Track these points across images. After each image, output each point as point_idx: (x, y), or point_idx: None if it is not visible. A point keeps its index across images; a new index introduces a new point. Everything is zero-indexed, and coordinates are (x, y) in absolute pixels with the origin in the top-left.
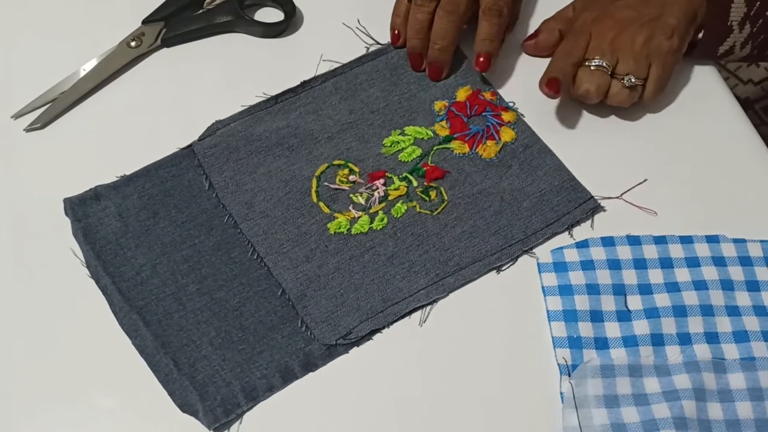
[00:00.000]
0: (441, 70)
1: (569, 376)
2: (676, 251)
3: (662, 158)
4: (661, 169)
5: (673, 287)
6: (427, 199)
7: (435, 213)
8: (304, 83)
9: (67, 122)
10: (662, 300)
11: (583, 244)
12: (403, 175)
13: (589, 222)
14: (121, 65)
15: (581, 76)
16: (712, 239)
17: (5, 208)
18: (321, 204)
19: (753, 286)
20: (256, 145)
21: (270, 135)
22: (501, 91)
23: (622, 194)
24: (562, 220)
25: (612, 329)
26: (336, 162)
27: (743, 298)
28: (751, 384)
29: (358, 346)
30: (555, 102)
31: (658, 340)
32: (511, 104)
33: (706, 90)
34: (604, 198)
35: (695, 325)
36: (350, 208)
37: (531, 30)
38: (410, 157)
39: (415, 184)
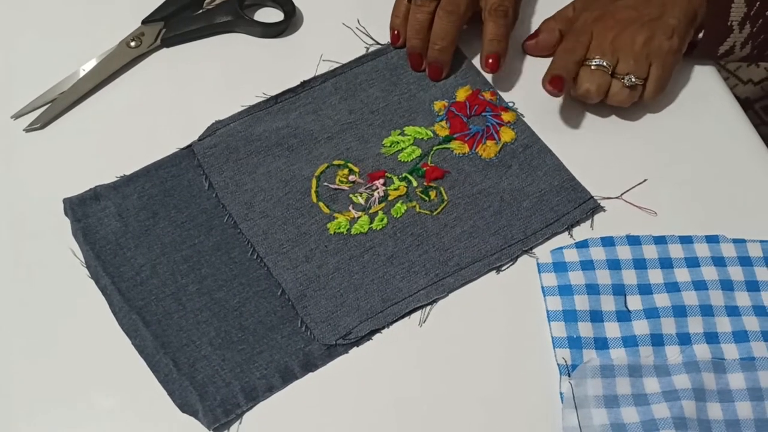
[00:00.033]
0: (441, 71)
1: (569, 376)
2: (676, 251)
3: (662, 158)
4: (660, 169)
5: (672, 287)
6: (426, 199)
7: (435, 213)
8: (303, 83)
9: (67, 122)
10: (662, 300)
11: (582, 245)
12: (403, 175)
13: (588, 222)
14: (120, 65)
15: (582, 75)
16: (711, 239)
17: (5, 208)
18: (321, 204)
19: (753, 286)
20: (255, 145)
21: (270, 135)
22: (501, 91)
23: (621, 194)
24: (561, 220)
25: (612, 329)
26: (336, 162)
27: (743, 299)
28: (751, 384)
29: (357, 346)
30: (555, 102)
31: (657, 340)
32: (510, 104)
33: (706, 90)
34: (604, 198)
35: (695, 325)
36: (350, 208)
37: (531, 30)
38: (410, 157)
39: (414, 184)
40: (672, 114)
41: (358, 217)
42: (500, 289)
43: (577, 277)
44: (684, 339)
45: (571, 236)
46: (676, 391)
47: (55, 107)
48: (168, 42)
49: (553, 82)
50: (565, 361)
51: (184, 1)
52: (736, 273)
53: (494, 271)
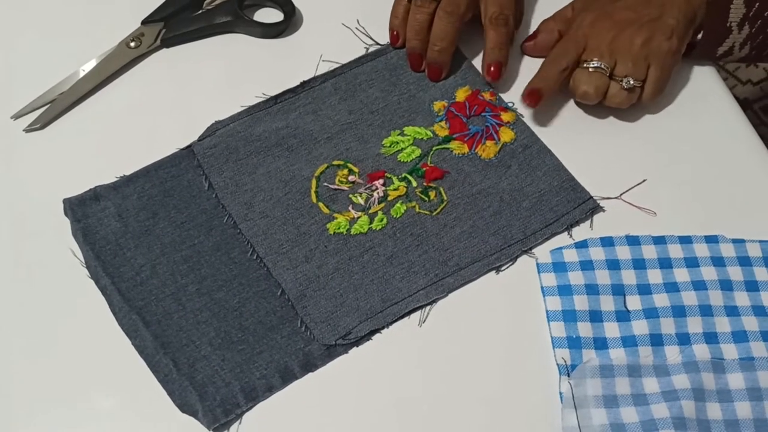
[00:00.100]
0: (440, 71)
1: (568, 376)
2: (675, 251)
3: (661, 158)
4: (660, 170)
5: (672, 287)
6: (426, 199)
7: (434, 213)
8: (303, 83)
9: (67, 123)
10: (661, 300)
11: (582, 245)
12: (403, 175)
13: (588, 222)
14: (120, 66)
15: (580, 77)
16: (711, 239)
17: (5, 208)
18: (320, 204)
19: (752, 286)
20: (255, 145)
21: (269, 135)
22: (500, 92)
23: (621, 194)
24: (561, 221)
25: (611, 329)
26: (335, 162)
27: (742, 299)
28: (750, 384)
29: (357, 346)
30: (554, 102)
31: (657, 340)
32: (510, 104)
33: (705, 90)
34: (604, 198)
35: (694, 325)
36: (350, 208)
37: (531, 30)
38: (409, 157)
39: (414, 184)
40: (671, 114)
41: (358, 218)
42: (500, 289)
43: (576, 278)
44: (683, 339)
45: (571, 236)
46: (676, 391)
47: (55, 107)
48: (168, 42)
49: (530, 97)
50: (565, 361)
51: (183, 1)
52: (735, 273)
53: (494, 271)
